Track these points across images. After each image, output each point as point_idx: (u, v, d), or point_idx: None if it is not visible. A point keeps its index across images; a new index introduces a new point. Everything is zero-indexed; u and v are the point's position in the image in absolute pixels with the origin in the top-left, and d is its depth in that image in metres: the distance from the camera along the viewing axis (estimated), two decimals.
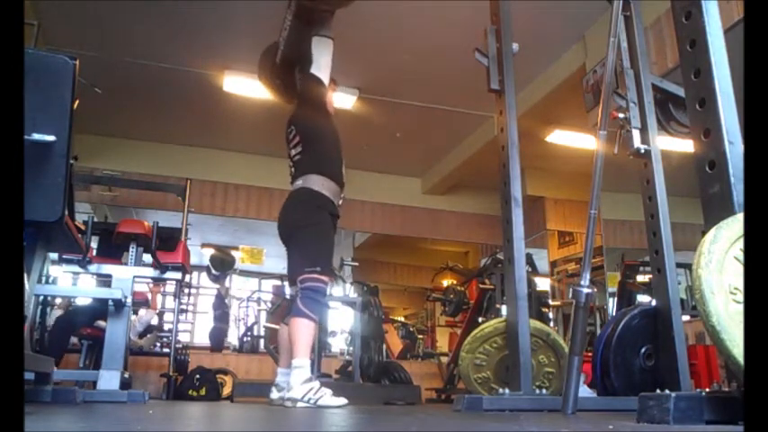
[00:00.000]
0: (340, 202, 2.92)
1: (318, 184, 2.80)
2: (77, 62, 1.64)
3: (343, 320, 6.55)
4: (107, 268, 3.27)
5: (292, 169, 2.93)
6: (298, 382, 2.57)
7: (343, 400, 2.60)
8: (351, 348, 5.89)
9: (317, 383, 2.60)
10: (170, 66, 5.03)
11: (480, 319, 5.12)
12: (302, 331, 2.64)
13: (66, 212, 1.61)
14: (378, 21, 4.45)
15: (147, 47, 4.81)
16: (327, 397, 2.55)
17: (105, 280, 3.39)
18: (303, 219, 2.80)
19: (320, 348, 4.79)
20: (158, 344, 5.92)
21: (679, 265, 2.40)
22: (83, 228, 3.28)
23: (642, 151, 2.30)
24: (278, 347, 3.06)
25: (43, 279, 4.20)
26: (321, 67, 2.97)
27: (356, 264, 6.37)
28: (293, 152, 2.93)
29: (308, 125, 2.94)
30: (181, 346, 5.84)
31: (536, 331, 2.49)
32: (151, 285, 5.27)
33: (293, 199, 2.86)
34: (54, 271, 4.88)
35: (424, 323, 10.17)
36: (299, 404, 2.54)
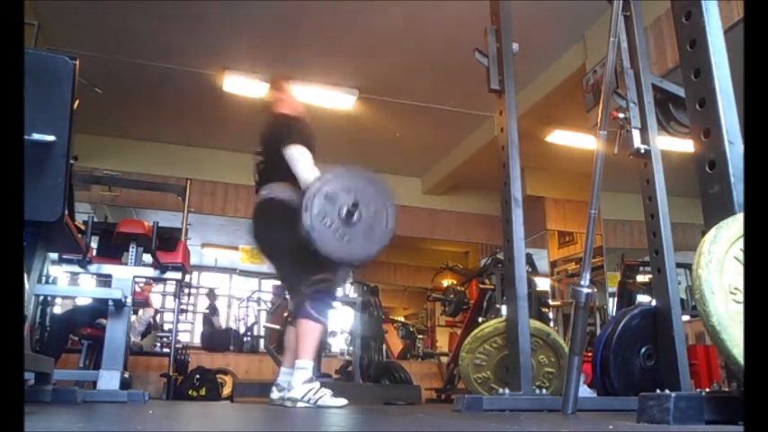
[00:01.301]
0: None
1: (285, 191, 2.80)
2: (77, 62, 1.64)
3: (343, 320, 6.55)
4: (107, 268, 3.26)
5: (256, 176, 2.92)
6: (299, 381, 2.57)
7: (342, 401, 2.60)
8: (351, 348, 5.89)
9: (317, 384, 2.60)
10: (170, 66, 5.03)
11: (480, 319, 5.12)
12: (309, 333, 2.63)
13: (66, 212, 1.61)
14: (378, 21, 4.45)
15: (147, 47, 4.81)
16: (327, 397, 2.55)
17: (105, 280, 3.39)
18: (284, 232, 2.75)
19: (320, 348, 4.79)
20: (158, 344, 5.92)
21: (679, 265, 2.40)
22: (83, 228, 3.28)
23: (642, 151, 2.30)
24: (284, 348, 3.05)
25: (43, 279, 4.20)
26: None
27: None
28: (258, 158, 2.92)
29: (272, 144, 2.89)
30: (181, 346, 5.84)
31: (536, 331, 2.49)
32: (143, 284, 5.27)
33: (265, 212, 2.84)
34: (54, 271, 4.88)
35: (424, 323, 10.17)
36: (299, 404, 2.54)
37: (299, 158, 2.77)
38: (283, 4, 4.25)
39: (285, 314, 3.54)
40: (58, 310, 5.15)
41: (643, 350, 2.27)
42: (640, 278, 5.64)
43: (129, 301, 3.09)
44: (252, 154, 3.14)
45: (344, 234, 2.53)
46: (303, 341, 2.63)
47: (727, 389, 1.69)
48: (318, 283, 2.67)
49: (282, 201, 2.78)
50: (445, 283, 7.24)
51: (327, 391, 2.58)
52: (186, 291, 6.55)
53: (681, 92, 2.14)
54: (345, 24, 4.50)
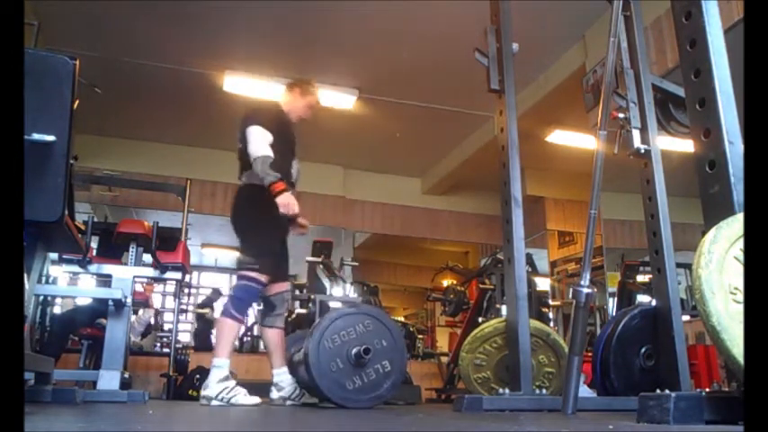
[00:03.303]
0: None
1: (259, 178, 2.78)
2: (77, 62, 1.64)
3: None
4: (107, 268, 3.27)
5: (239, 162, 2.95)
6: (214, 380, 2.62)
7: (256, 399, 2.65)
8: None
9: (231, 382, 2.65)
10: (170, 66, 5.03)
11: (480, 319, 5.12)
12: (225, 331, 2.71)
13: (67, 212, 1.61)
14: (377, 20, 4.45)
15: (147, 47, 4.81)
16: (241, 396, 2.61)
17: (105, 280, 3.39)
18: (250, 217, 2.81)
19: None
20: (158, 344, 5.92)
21: (679, 265, 2.40)
22: (83, 228, 3.28)
23: (642, 151, 2.30)
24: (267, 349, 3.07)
25: (43, 279, 4.20)
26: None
27: (356, 264, 6.37)
28: (239, 145, 2.91)
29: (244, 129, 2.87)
30: (181, 346, 5.84)
31: (536, 331, 2.49)
32: (145, 284, 5.27)
33: (240, 197, 2.89)
34: (54, 271, 4.88)
35: (424, 323, 10.16)
36: (213, 402, 2.59)
37: (251, 137, 2.77)
38: (284, 4, 4.25)
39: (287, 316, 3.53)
40: (57, 310, 5.15)
41: (643, 350, 2.27)
42: (640, 278, 5.63)
43: (129, 301, 3.09)
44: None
45: (354, 382, 2.43)
46: (220, 339, 2.70)
47: (727, 389, 1.69)
48: (243, 278, 2.71)
49: (253, 185, 2.81)
50: (445, 283, 7.23)
51: (242, 390, 2.63)
52: (186, 291, 6.55)
53: (681, 92, 2.14)
54: (345, 24, 4.50)
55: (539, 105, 5.16)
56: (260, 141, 2.75)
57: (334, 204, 7.21)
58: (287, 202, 2.71)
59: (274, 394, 2.84)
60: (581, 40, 4.58)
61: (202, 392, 2.68)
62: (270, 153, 2.73)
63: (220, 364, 2.65)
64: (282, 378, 2.82)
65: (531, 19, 4.07)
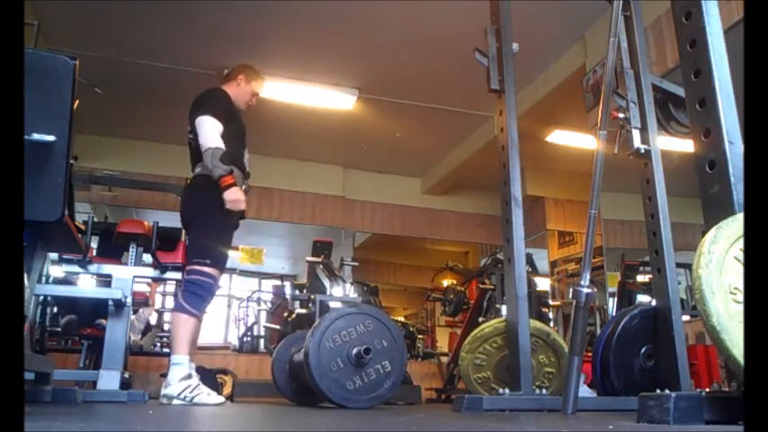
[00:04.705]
0: (243, 187, 2.89)
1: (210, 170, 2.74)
2: (77, 62, 1.64)
3: None
4: (107, 268, 3.27)
5: (189, 155, 2.91)
6: (175, 378, 2.55)
7: (220, 399, 2.59)
8: None
9: (194, 381, 2.59)
10: (170, 66, 5.03)
11: (480, 319, 5.12)
12: (181, 327, 2.62)
13: (67, 212, 1.61)
14: (378, 21, 4.45)
15: (147, 47, 4.81)
16: (204, 395, 2.55)
17: (105, 280, 3.39)
18: (199, 207, 2.74)
19: None
20: (158, 344, 5.93)
21: (679, 265, 2.40)
22: (83, 228, 3.28)
23: (642, 151, 2.30)
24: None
25: (43, 279, 4.20)
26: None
27: (356, 264, 6.38)
28: (190, 136, 2.86)
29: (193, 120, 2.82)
30: None
31: (536, 331, 2.49)
32: (150, 282, 5.28)
33: (191, 187, 2.85)
34: (54, 271, 4.88)
35: (424, 323, 10.15)
36: (175, 401, 2.52)
37: (202, 128, 2.71)
38: (283, 4, 4.26)
39: (285, 314, 3.49)
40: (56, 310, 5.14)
41: (643, 350, 2.27)
42: (640, 278, 5.63)
43: (129, 301, 3.09)
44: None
45: (354, 382, 2.42)
46: (176, 335, 2.62)
47: (727, 389, 1.69)
48: (194, 273, 2.65)
49: (208, 176, 2.76)
50: (445, 283, 7.23)
51: (205, 389, 2.57)
52: None
53: (681, 92, 2.14)
54: (345, 24, 4.50)
55: (538, 105, 5.15)
56: (211, 132, 2.69)
57: (334, 204, 7.21)
58: (235, 198, 2.66)
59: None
60: (581, 40, 4.58)
61: (163, 391, 2.60)
62: (221, 145, 2.69)
63: (180, 361, 2.57)
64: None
65: (531, 19, 4.07)
